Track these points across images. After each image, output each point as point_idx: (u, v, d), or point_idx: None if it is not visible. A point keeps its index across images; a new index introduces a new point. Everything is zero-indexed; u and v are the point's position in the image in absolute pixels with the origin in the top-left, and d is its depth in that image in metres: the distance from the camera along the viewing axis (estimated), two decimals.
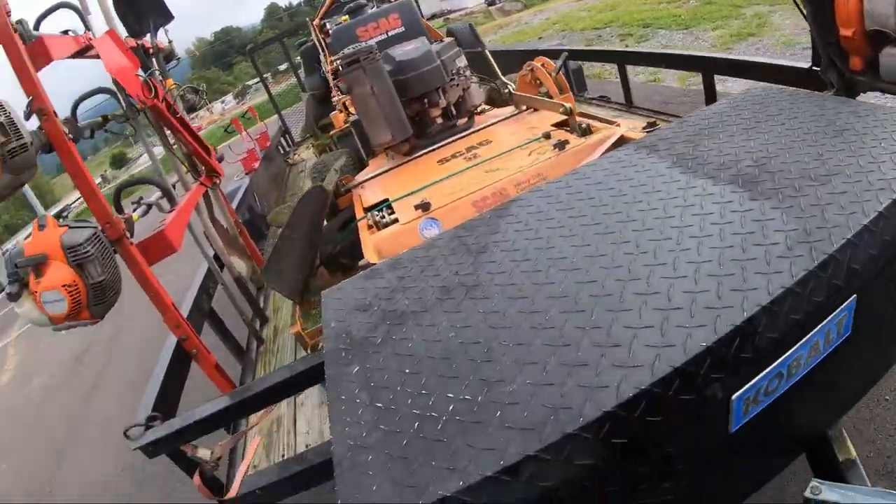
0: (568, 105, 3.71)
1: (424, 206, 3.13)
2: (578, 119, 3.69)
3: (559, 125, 3.77)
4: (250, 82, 58.08)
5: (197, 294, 3.61)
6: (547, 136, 3.59)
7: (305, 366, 2.27)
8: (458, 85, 4.22)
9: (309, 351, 3.12)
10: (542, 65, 4.53)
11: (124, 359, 9.33)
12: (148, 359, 8.42)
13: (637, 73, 5.59)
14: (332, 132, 6.36)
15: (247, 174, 8.22)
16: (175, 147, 4.22)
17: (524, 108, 4.37)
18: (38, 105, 2.50)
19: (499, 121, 4.27)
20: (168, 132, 4.22)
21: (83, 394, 8.88)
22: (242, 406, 2.37)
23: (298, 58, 9.57)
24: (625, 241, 1.69)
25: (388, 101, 3.88)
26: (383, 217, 3.26)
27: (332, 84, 7.25)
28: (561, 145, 3.36)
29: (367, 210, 3.49)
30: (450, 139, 4.14)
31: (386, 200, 3.45)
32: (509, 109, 4.50)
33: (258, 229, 5.84)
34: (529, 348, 1.40)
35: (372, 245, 3.05)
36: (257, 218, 6.12)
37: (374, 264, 2.25)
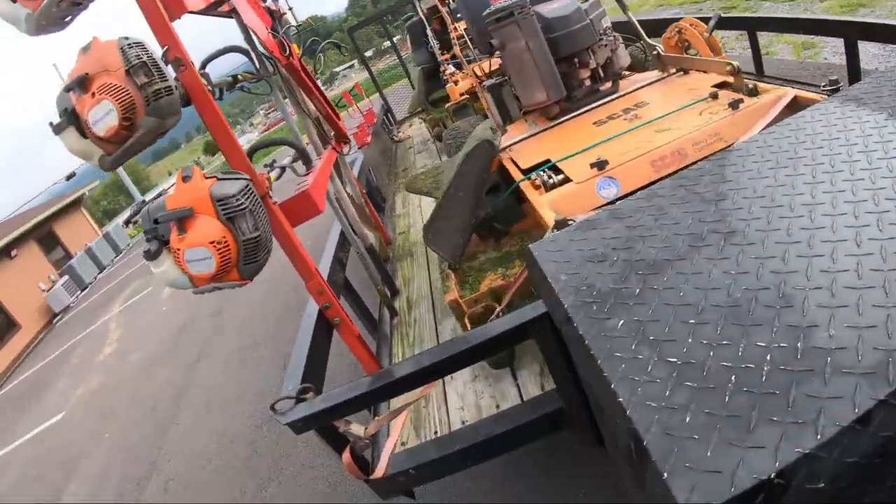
0: (735, 63, 3.41)
1: (600, 165, 2.93)
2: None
3: (719, 87, 3.47)
4: (338, 69, 58.98)
5: (332, 263, 3.44)
6: (714, 95, 3.33)
7: (478, 339, 2.09)
8: (605, 45, 3.93)
9: (467, 322, 2.94)
10: (692, 25, 4.19)
11: (226, 335, 9.47)
12: (250, 335, 8.71)
13: (746, 47, 5.22)
14: (448, 104, 6.43)
15: (359, 148, 8.17)
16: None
17: (672, 70, 4.04)
18: (174, 54, 2.32)
19: (647, 84, 3.97)
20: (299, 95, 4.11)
21: (184, 367, 9.05)
22: (408, 380, 2.19)
23: (406, 33, 9.54)
24: (878, 187, 1.60)
25: (543, 58, 3.65)
26: (550, 177, 3.06)
27: (439, 58, 7.20)
28: (735, 104, 3.11)
29: (525, 172, 3.28)
30: (597, 103, 3.87)
31: (547, 161, 3.24)
32: (654, 73, 4.18)
33: (375, 202, 5.73)
34: (831, 291, 1.29)
35: (547, 204, 2.85)
36: (374, 191, 6.00)
37: (573, 220, 2.13)
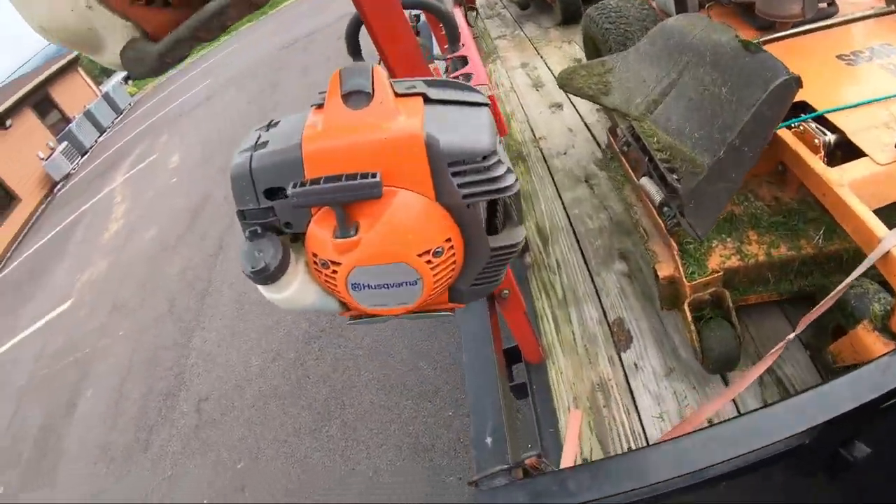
0: None
1: None
2: None
3: None
4: None
5: None
6: None
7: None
8: None
9: (688, 310, 2.07)
10: None
11: None
12: None
13: None
14: None
15: None
16: None
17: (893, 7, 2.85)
18: None
19: (870, 16, 2.79)
20: None
21: (203, 257, 8.28)
22: None
23: None
24: None
25: None
26: (825, 134, 2.05)
27: None
28: None
29: None
30: (814, 24, 2.74)
31: (805, 105, 2.19)
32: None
33: None
34: None
35: (846, 184, 1.89)
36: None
37: None
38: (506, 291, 1.91)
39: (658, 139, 2.17)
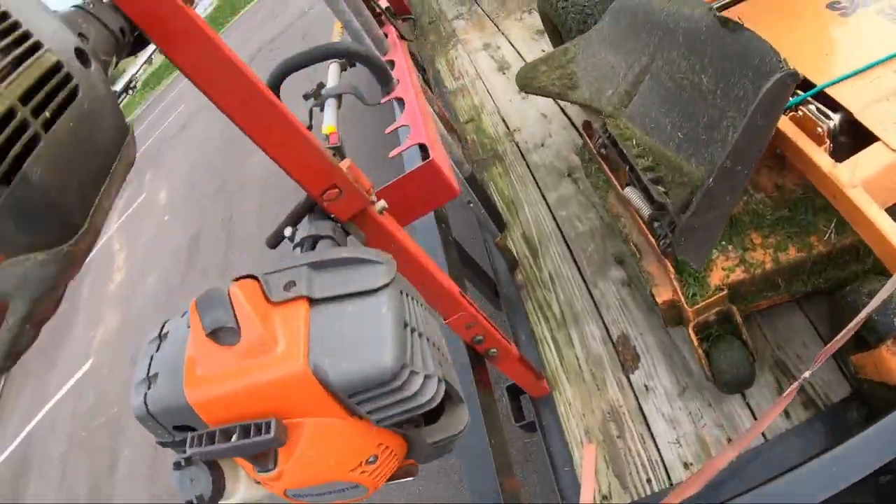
0: None
1: None
2: None
3: None
4: None
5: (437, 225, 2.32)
6: None
7: None
8: None
9: (693, 334, 1.91)
10: None
11: (245, 247, 8.54)
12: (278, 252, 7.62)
13: None
14: None
15: None
16: None
17: None
18: None
19: None
20: None
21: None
22: None
23: None
24: None
25: None
26: (828, 118, 1.72)
27: None
28: None
29: None
30: None
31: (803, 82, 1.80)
32: None
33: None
34: None
35: (860, 184, 1.61)
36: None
37: None
38: (493, 350, 1.79)
39: (637, 141, 1.97)
